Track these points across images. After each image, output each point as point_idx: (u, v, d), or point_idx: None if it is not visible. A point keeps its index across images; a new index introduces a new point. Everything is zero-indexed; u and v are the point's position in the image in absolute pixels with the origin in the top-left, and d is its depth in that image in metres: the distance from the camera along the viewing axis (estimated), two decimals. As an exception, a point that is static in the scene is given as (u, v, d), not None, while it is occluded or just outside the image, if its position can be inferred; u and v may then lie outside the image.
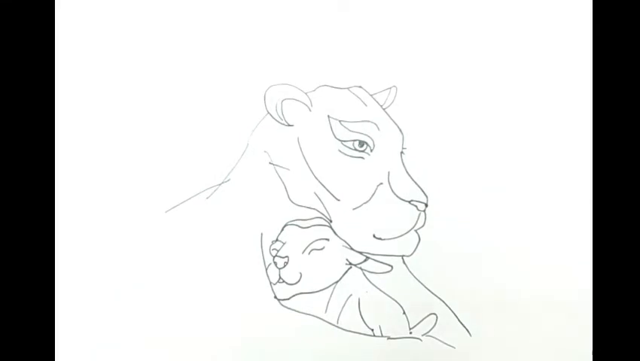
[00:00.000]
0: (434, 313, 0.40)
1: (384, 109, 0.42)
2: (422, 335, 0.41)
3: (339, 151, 0.41)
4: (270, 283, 0.41)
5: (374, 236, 0.40)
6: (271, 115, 0.42)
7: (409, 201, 0.40)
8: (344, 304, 0.41)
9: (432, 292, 0.40)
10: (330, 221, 0.41)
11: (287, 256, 0.40)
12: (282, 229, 0.41)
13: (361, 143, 0.41)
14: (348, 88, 0.42)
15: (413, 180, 0.41)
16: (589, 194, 0.39)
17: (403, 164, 0.41)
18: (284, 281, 0.41)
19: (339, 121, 0.41)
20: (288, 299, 0.41)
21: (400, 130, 0.41)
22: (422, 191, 0.41)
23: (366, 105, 0.42)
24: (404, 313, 0.40)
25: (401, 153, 0.41)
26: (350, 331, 0.40)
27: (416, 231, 0.41)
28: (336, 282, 0.41)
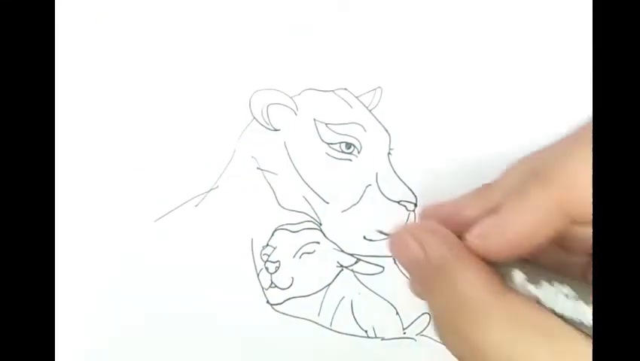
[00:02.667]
0: (427, 313, 0.41)
1: (370, 110, 0.42)
2: (416, 335, 0.41)
3: (327, 154, 0.41)
4: (262, 288, 0.41)
5: (364, 238, 0.41)
6: (257, 120, 0.42)
7: (399, 202, 0.41)
8: (337, 307, 0.41)
9: (424, 292, 0.41)
10: (320, 224, 0.41)
11: (278, 261, 0.41)
12: (272, 234, 0.41)
13: (348, 145, 0.41)
14: (333, 91, 0.42)
15: (401, 180, 0.41)
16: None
17: (391, 164, 0.41)
18: (276, 286, 0.41)
19: (326, 124, 0.41)
20: (281, 304, 0.41)
21: (387, 131, 0.42)
22: (411, 191, 0.41)
23: (351, 107, 0.42)
24: (397, 313, 0.41)
25: (388, 153, 0.41)
26: (344, 333, 0.41)
27: (406, 231, 0.41)
28: (328, 285, 0.41)
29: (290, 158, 0.41)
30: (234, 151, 0.41)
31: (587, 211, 0.21)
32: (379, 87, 0.42)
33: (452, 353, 0.25)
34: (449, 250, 0.25)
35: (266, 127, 0.42)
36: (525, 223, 0.23)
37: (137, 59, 0.42)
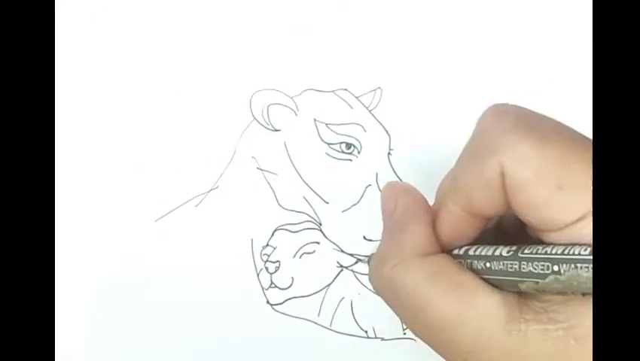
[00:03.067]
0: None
1: (370, 111, 0.42)
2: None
3: (327, 154, 0.41)
4: (262, 288, 0.41)
5: (364, 238, 0.41)
6: (257, 121, 0.42)
7: (399, 202, 0.40)
8: (337, 307, 0.41)
9: (424, 292, 0.40)
10: (320, 224, 0.41)
11: (278, 261, 0.41)
12: (272, 234, 0.41)
13: (348, 145, 0.41)
14: (333, 91, 0.42)
15: (401, 180, 0.41)
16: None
17: (391, 164, 0.41)
18: (276, 286, 0.41)
19: (326, 124, 0.41)
20: (281, 304, 0.41)
21: (387, 131, 0.42)
22: (411, 191, 0.41)
23: (351, 108, 0.42)
24: (397, 313, 0.40)
25: (388, 153, 0.41)
26: (344, 333, 0.41)
27: (406, 231, 0.41)
28: (328, 285, 0.41)
29: (290, 158, 0.41)
30: (234, 151, 0.41)
31: (492, 211, 0.25)
32: (379, 88, 0.42)
33: (378, 294, 0.28)
34: (412, 208, 0.28)
35: (266, 127, 0.42)
36: (448, 228, 0.27)
37: (137, 59, 0.42)
